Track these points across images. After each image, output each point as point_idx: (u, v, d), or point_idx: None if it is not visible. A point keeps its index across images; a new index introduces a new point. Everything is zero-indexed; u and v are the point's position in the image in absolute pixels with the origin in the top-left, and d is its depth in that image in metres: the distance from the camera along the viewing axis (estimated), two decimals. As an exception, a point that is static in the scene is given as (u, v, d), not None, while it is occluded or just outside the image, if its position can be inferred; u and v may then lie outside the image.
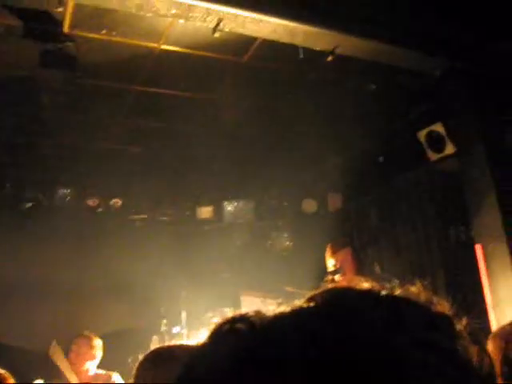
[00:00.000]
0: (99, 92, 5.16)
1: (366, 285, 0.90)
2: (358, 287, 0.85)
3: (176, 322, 5.70)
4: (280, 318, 0.48)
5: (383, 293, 0.73)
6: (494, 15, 4.31)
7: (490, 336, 2.16)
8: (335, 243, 4.19)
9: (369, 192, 6.65)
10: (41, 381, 3.98)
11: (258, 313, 0.49)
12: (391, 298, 0.66)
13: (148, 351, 2.26)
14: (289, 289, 5.14)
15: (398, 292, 0.78)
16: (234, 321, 0.49)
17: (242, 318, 0.48)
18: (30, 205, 6.06)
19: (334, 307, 0.51)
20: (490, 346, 2.10)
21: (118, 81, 5.08)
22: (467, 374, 0.48)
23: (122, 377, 4.52)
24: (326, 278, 4.21)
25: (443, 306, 0.76)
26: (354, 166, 6.56)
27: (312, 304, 0.51)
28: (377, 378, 0.42)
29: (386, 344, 0.45)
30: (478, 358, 0.56)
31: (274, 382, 0.41)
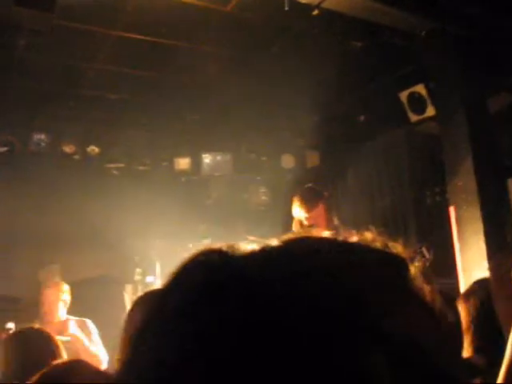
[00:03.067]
0: (77, 35, 5.02)
1: (325, 233, 0.92)
2: (318, 235, 0.86)
3: (150, 271, 5.73)
4: (252, 254, 0.50)
5: (340, 238, 0.75)
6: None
7: (459, 298, 2.19)
8: (308, 198, 4.15)
9: (347, 150, 6.66)
10: (12, 324, 3.99)
11: (231, 247, 0.51)
12: (347, 242, 0.68)
13: (137, 297, 2.29)
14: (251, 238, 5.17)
15: (354, 238, 0.80)
16: (208, 253, 0.50)
17: (218, 251, 0.50)
18: (3, 149, 5.95)
19: (298, 248, 0.52)
20: (462, 306, 2.13)
21: (98, 24, 4.95)
22: (423, 312, 0.50)
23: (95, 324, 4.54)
24: (294, 226, 4.21)
25: (398, 249, 0.78)
26: (333, 124, 6.55)
27: (280, 244, 0.53)
28: (333, 313, 0.43)
29: (342, 284, 0.46)
30: (430, 297, 0.58)
31: (236, 317, 0.42)
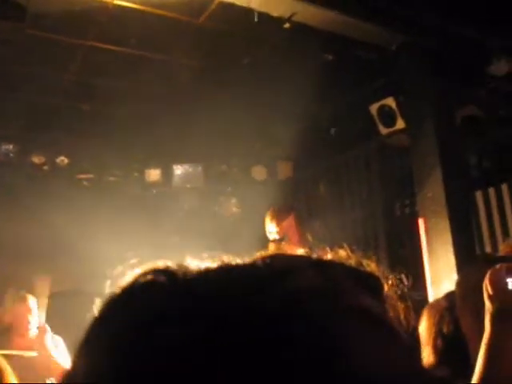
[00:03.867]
0: (49, 45, 4.98)
1: (299, 251, 0.92)
2: (291, 253, 0.86)
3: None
4: (204, 274, 0.45)
5: (313, 256, 0.74)
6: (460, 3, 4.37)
7: (425, 309, 2.21)
8: (279, 211, 4.18)
9: (319, 162, 6.70)
10: None
11: (181, 266, 0.46)
12: (321, 261, 0.67)
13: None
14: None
15: (328, 256, 0.80)
16: (155, 272, 0.45)
17: (165, 271, 0.45)
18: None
19: (265, 267, 0.48)
20: (425, 319, 2.14)
21: (69, 35, 4.91)
22: (393, 335, 0.46)
23: (64, 339, 4.47)
24: (270, 246, 4.22)
25: (372, 267, 0.78)
26: (305, 136, 6.58)
27: (240, 262, 0.48)
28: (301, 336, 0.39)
29: (304, 311, 0.42)
30: (404, 315, 0.57)
31: (185, 340, 0.38)
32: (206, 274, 0.45)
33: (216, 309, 0.40)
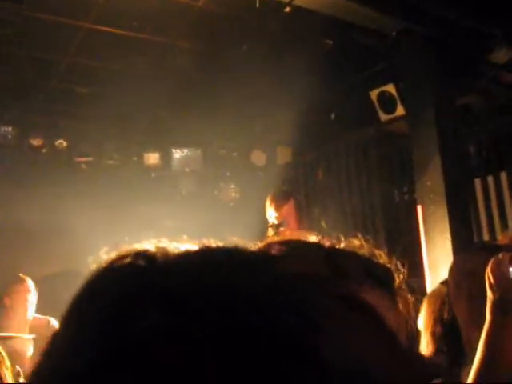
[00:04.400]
0: (47, 27, 4.94)
1: (312, 238, 0.91)
2: (304, 239, 0.85)
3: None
4: (184, 257, 0.43)
5: (327, 245, 0.73)
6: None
7: (426, 296, 2.21)
8: (278, 197, 4.18)
9: (318, 148, 6.68)
10: None
11: (161, 249, 0.44)
12: (333, 249, 0.66)
13: None
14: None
15: (341, 245, 0.79)
16: (135, 255, 0.43)
17: (144, 253, 0.43)
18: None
19: (247, 252, 0.46)
20: (424, 307, 2.15)
21: (68, 17, 4.87)
22: (377, 325, 0.45)
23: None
24: (269, 231, 4.23)
25: (384, 259, 0.78)
26: (304, 121, 6.56)
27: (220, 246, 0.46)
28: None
29: (325, 293, 0.41)
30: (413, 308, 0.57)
31: (167, 328, 0.37)
32: (187, 256, 0.43)
33: (197, 294, 0.38)
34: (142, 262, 0.42)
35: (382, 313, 0.73)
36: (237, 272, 0.41)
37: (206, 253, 0.44)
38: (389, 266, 0.66)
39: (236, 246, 0.46)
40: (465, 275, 1.92)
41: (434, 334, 2.08)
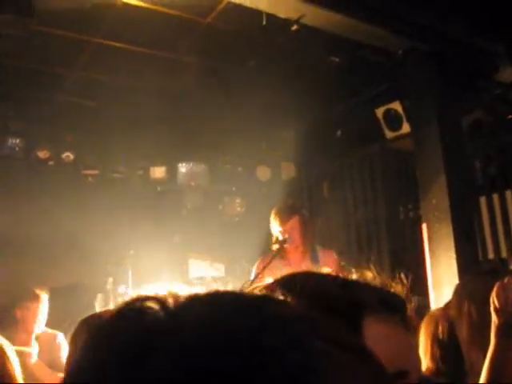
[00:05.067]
0: (56, 41, 4.99)
1: (325, 270, 0.93)
2: (318, 272, 0.88)
3: (122, 280, 5.68)
4: (194, 302, 0.45)
5: (341, 276, 0.75)
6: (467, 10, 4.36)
7: (424, 319, 2.22)
8: (283, 211, 4.18)
9: (323, 164, 6.70)
10: None
11: (171, 294, 0.46)
12: (347, 280, 0.67)
13: (82, 318, 2.24)
14: None
15: (354, 276, 0.81)
16: (145, 299, 0.46)
17: (154, 298, 0.46)
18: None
19: (252, 297, 0.49)
20: (423, 328, 2.16)
21: (76, 31, 4.92)
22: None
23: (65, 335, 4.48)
24: (273, 247, 4.23)
25: (397, 289, 0.80)
26: (310, 137, 6.59)
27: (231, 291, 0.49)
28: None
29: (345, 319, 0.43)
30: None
31: (175, 373, 0.39)
32: (196, 300, 0.46)
33: (204, 339, 0.40)
34: (152, 307, 0.44)
35: (398, 341, 0.75)
36: (242, 316, 0.43)
37: (213, 297, 0.47)
38: (401, 295, 0.69)
39: (242, 291, 0.50)
40: (466, 298, 1.93)
41: (433, 355, 2.09)
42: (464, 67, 4.66)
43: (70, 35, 4.94)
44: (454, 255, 4.09)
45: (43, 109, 6.07)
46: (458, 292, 2.00)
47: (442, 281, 4.08)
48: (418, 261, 4.64)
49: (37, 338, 4.29)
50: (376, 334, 0.70)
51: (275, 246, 4.10)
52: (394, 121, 5.51)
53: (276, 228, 4.13)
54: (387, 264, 5.40)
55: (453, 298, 2.08)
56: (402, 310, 0.77)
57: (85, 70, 5.57)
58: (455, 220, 4.26)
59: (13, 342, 4.17)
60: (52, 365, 4.15)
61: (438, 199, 4.40)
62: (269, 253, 4.23)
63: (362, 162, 6.20)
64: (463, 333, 1.96)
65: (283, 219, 4.13)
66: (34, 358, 4.09)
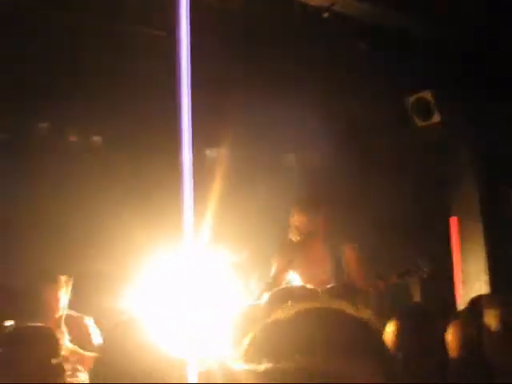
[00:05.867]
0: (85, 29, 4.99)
1: (350, 310, 0.92)
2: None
3: (147, 269, 5.66)
4: None
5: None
6: None
7: (451, 322, 2.21)
8: (310, 205, 4.16)
9: (350, 152, 6.63)
10: (11, 322, 3.96)
11: None
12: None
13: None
14: None
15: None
16: None
17: None
18: (5, 137, 5.91)
19: None
20: (451, 331, 2.15)
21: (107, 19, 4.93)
22: None
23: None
24: (294, 238, 4.22)
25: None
26: (335, 125, 6.52)
27: None
28: None
29: None
30: None
31: None
32: None
33: None
34: None
35: None
36: None
37: None
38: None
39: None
40: (499, 301, 1.92)
41: (460, 358, 2.08)
42: (496, 59, 4.56)
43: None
44: (482, 249, 4.04)
45: (73, 92, 6.08)
46: (502, 316, 1.99)
47: (471, 275, 4.03)
48: (447, 255, 4.58)
49: (65, 321, 4.35)
50: None
51: (296, 238, 4.09)
52: (424, 110, 5.41)
53: (301, 220, 4.11)
54: (414, 259, 5.32)
55: (484, 300, 2.06)
56: None
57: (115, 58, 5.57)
58: (484, 213, 4.20)
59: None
60: (81, 346, 4.21)
61: (466, 192, 4.34)
62: (288, 244, 4.22)
63: (389, 151, 6.12)
64: (494, 338, 1.94)
65: (309, 212, 4.12)
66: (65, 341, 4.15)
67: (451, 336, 2.14)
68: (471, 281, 3.98)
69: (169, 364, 1.82)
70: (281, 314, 0.93)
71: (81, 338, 4.34)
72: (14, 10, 4.46)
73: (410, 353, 2.12)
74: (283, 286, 3.79)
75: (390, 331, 2.25)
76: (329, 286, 3.45)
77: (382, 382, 0.82)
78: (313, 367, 0.79)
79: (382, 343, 0.93)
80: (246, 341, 0.95)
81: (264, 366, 0.82)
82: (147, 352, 1.88)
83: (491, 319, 1.94)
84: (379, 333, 1.02)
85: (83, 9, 4.69)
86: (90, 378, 2.06)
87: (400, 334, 2.22)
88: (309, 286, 3.01)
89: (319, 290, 2.90)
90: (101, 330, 4.43)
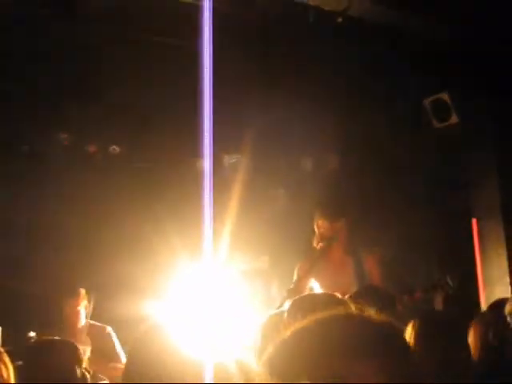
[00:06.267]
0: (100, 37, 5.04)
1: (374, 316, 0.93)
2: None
3: (173, 282, 5.63)
4: None
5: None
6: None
7: (473, 322, 2.21)
8: (333, 211, 4.16)
9: (367, 157, 6.60)
10: (33, 333, 4.00)
11: None
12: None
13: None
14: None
15: None
16: None
17: None
18: (25, 147, 5.96)
19: None
20: (472, 332, 2.15)
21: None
22: None
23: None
24: (317, 244, 4.22)
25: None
26: (353, 127, 6.51)
27: None
28: None
29: None
30: None
31: None
32: None
33: None
34: None
35: None
36: None
37: None
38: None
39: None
40: None
41: (481, 360, 2.08)
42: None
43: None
44: (504, 252, 4.00)
45: (92, 102, 6.12)
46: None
47: (493, 278, 4.00)
48: (469, 257, 4.53)
49: (87, 332, 4.39)
50: None
51: (320, 244, 4.08)
52: (442, 111, 5.38)
53: (323, 226, 4.11)
54: (436, 261, 5.28)
55: (507, 303, 2.06)
56: None
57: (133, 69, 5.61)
58: (506, 215, 4.16)
59: (61, 337, 4.28)
60: (104, 355, 4.24)
61: (487, 193, 4.31)
62: (312, 252, 4.22)
63: (407, 153, 6.08)
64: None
65: (332, 219, 4.12)
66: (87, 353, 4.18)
67: (473, 338, 2.14)
68: (494, 283, 3.94)
69: (194, 366, 1.87)
70: (304, 322, 0.93)
71: (103, 347, 4.36)
72: (38, 23, 4.53)
73: (430, 355, 2.12)
74: (305, 293, 3.79)
75: (408, 333, 2.25)
76: (351, 293, 3.43)
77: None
78: (335, 374, 0.80)
79: (404, 346, 0.94)
80: (270, 349, 0.96)
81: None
82: (174, 355, 1.95)
83: None
84: (402, 335, 1.03)
85: (108, 21, 4.74)
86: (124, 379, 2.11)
87: (419, 336, 2.22)
88: (331, 292, 3.00)
89: (342, 296, 2.89)
90: (125, 338, 4.45)
